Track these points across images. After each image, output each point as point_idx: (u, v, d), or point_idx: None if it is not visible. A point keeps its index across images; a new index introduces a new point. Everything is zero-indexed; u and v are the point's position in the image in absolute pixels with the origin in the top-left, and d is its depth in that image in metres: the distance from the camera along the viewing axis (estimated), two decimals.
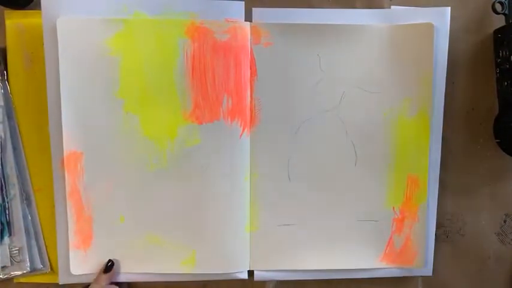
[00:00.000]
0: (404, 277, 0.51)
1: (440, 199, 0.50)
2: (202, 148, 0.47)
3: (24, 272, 0.47)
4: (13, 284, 0.49)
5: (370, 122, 0.49)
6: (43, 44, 0.44)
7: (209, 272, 0.48)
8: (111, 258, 0.47)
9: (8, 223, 0.47)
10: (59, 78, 0.45)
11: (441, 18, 0.48)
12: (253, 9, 0.47)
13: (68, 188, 0.46)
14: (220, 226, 0.48)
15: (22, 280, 0.49)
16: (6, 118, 0.47)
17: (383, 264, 0.50)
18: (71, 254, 0.46)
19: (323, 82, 0.48)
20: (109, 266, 0.46)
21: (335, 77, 0.48)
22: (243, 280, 0.49)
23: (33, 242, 0.48)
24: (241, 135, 0.47)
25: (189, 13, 0.46)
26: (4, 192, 0.47)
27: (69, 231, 0.46)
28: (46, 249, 0.48)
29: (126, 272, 0.48)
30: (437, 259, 0.51)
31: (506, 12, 0.47)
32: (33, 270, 0.48)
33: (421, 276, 0.52)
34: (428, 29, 0.47)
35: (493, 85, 0.51)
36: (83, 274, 0.47)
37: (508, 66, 0.47)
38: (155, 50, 0.45)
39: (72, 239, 0.46)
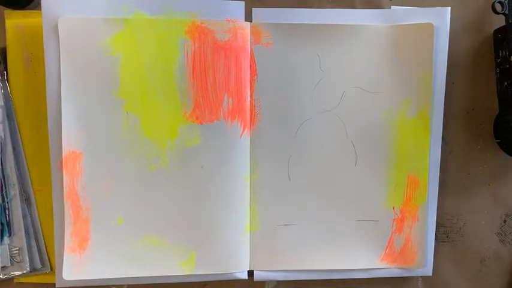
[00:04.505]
0: (404, 277, 0.51)
1: (440, 199, 0.50)
2: (202, 148, 0.47)
3: (24, 272, 0.47)
4: (13, 284, 0.49)
5: (370, 122, 0.49)
6: (43, 44, 0.44)
7: (209, 272, 0.48)
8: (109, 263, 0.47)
9: (8, 223, 0.47)
10: (58, 78, 0.45)
11: (441, 18, 0.48)
12: (253, 9, 0.47)
13: (65, 189, 0.45)
14: (220, 226, 0.47)
15: (22, 280, 0.49)
16: (6, 118, 0.47)
17: (383, 264, 0.50)
18: (65, 259, 0.46)
19: (323, 82, 0.48)
20: None
21: (335, 77, 0.48)
22: (243, 280, 0.49)
23: (33, 242, 0.48)
24: (241, 135, 0.47)
25: (189, 13, 0.46)
26: (4, 192, 0.47)
27: (65, 234, 0.46)
28: (46, 249, 0.48)
29: (125, 275, 0.47)
30: (437, 259, 0.51)
31: (506, 12, 0.47)
32: (33, 270, 0.48)
33: (421, 276, 0.52)
34: (428, 29, 0.47)
35: (493, 85, 0.51)
36: (77, 279, 0.46)
37: (508, 66, 0.47)
38: (156, 49, 0.45)
39: (69, 242, 0.46)
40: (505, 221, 0.52)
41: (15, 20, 0.47)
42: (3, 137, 0.47)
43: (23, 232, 0.47)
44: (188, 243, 0.47)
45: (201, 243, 0.47)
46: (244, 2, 0.47)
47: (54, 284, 0.47)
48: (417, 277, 0.52)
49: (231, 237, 0.48)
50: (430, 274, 0.51)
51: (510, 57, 0.47)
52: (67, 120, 0.45)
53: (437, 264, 0.51)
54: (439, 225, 0.51)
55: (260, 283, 0.51)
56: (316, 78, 0.48)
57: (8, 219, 0.47)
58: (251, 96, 0.48)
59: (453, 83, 0.51)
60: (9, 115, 0.47)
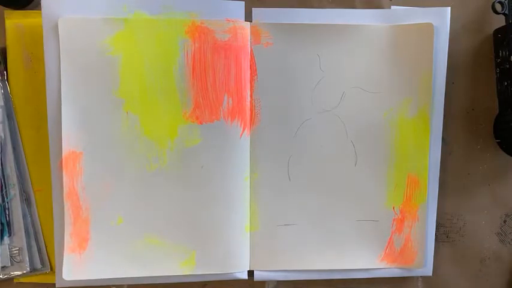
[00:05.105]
0: (404, 277, 0.51)
1: (440, 199, 0.50)
2: (202, 148, 0.47)
3: (24, 272, 0.47)
4: (13, 284, 0.49)
5: (370, 122, 0.49)
6: (43, 44, 0.44)
7: (209, 272, 0.48)
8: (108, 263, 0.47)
9: (8, 223, 0.47)
10: (58, 78, 0.45)
11: (441, 18, 0.48)
12: (253, 9, 0.47)
13: (65, 189, 0.45)
14: (220, 226, 0.47)
15: (22, 280, 0.49)
16: (6, 118, 0.47)
17: (383, 264, 0.50)
18: (65, 259, 0.46)
19: (323, 82, 0.48)
20: None
21: (335, 77, 0.48)
22: (243, 280, 0.49)
23: (33, 242, 0.48)
24: (241, 135, 0.47)
25: (189, 13, 0.46)
26: (4, 192, 0.47)
27: (65, 234, 0.46)
28: (46, 249, 0.48)
29: (125, 275, 0.47)
30: (437, 259, 0.51)
31: (506, 12, 0.47)
32: (33, 270, 0.48)
33: (421, 276, 0.52)
34: (428, 29, 0.47)
35: (493, 85, 0.51)
36: (77, 279, 0.46)
37: (508, 66, 0.47)
38: (156, 49, 0.45)
39: (68, 242, 0.46)
40: (505, 221, 0.52)
41: (15, 20, 0.47)
42: (3, 137, 0.47)
43: (23, 232, 0.47)
44: (188, 243, 0.47)
45: (201, 243, 0.47)
46: (244, 2, 0.47)
47: (54, 284, 0.47)
48: (417, 277, 0.52)
49: (231, 237, 0.48)
50: (430, 274, 0.51)
51: (510, 57, 0.47)
52: (67, 120, 0.45)
53: (437, 264, 0.51)
54: (439, 225, 0.51)
55: (260, 283, 0.51)
56: (316, 78, 0.48)
57: (8, 219, 0.47)
58: (251, 96, 0.48)
59: (453, 83, 0.51)
60: (9, 115, 0.47)
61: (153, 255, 0.47)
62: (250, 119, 0.48)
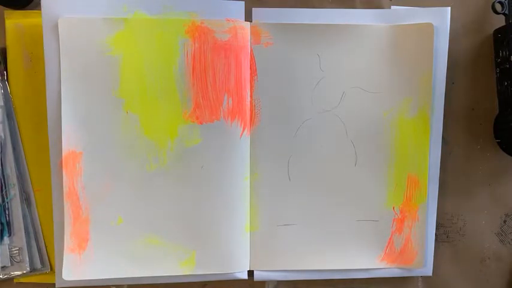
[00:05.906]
0: (404, 277, 0.51)
1: (440, 199, 0.50)
2: (202, 148, 0.47)
3: (24, 272, 0.47)
4: (13, 284, 0.49)
5: (370, 122, 0.49)
6: (43, 44, 0.44)
7: (209, 272, 0.48)
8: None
9: (8, 223, 0.47)
10: (58, 78, 0.45)
11: (441, 18, 0.48)
12: (253, 9, 0.47)
13: (65, 189, 0.45)
14: (220, 226, 0.47)
15: (22, 280, 0.49)
16: (6, 118, 0.47)
17: (383, 264, 0.50)
18: (65, 259, 0.46)
19: (323, 82, 0.48)
20: None
21: (335, 77, 0.48)
22: (243, 280, 0.49)
23: (33, 242, 0.48)
24: (241, 135, 0.47)
25: (189, 13, 0.46)
26: (4, 192, 0.47)
27: (65, 234, 0.46)
28: (46, 249, 0.48)
29: (125, 275, 0.47)
30: (437, 259, 0.51)
31: (506, 12, 0.47)
32: (33, 270, 0.48)
33: (421, 276, 0.52)
34: (428, 29, 0.47)
35: (493, 85, 0.51)
36: (76, 280, 0.46)
37: (508, 66, 0.47)
38: (156, 49, 0.45)
39: (68, 242, 0.46)
40: (505, 221, 0.52)
41: (15, 20, 0.47)
42: (3, 137, 0.47)
43: (23, 232, 0.47)
44: (188, 243, 0.47)
45: (201, 243, 0.47)
46: (244, 2, 0.47)
47: (54, 284, 0.47)
48: (417, 277, 0.52)
49: (231, 237, 0.48)
50: (430, 274, 0.51)
51: (510, 57, 0.47)
52: (67, 120, 0.45)
53: (437, 264, 0.51)
54: (439, 225, 0.51)
55: (260, 283, 0.51)
56: (316, 78, 0.48)
57: (8, 219, 0.47)
58: (251, 96, 0.48)
59: (453, 83, 0.51)
60: (9, 115, 0.47)
61: (153, 255, 0.47)
62: (250, 119, 0.48)
